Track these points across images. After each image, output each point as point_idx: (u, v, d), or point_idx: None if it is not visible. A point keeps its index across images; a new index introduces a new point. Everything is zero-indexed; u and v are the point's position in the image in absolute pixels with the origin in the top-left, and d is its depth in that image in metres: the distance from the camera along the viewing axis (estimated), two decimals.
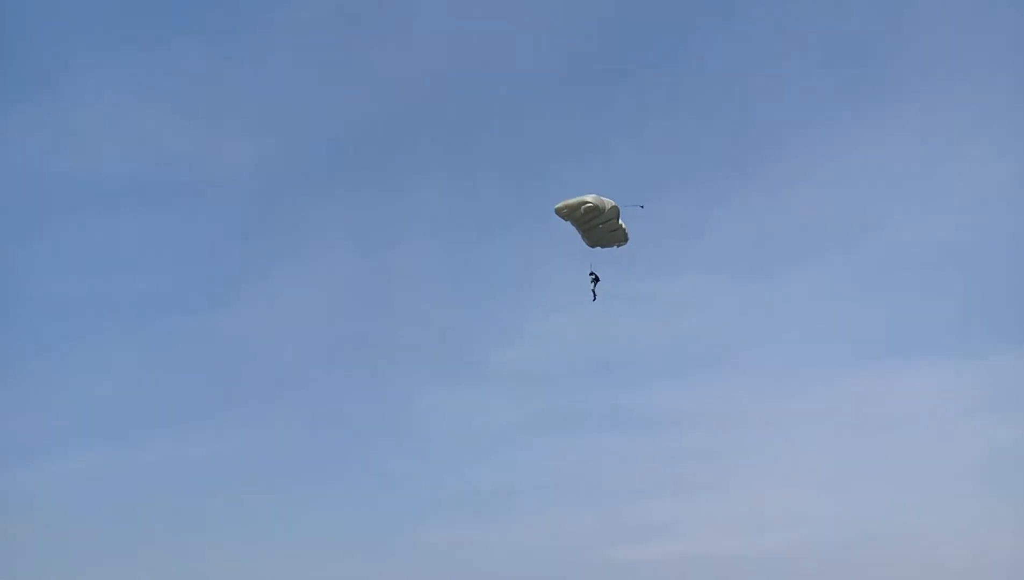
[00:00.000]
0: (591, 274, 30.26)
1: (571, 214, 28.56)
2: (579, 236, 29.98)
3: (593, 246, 29.55)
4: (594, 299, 30.43)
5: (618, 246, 29.60)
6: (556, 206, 28.81)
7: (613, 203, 29.02)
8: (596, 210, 28.35)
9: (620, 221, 29.40)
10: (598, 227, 28.96)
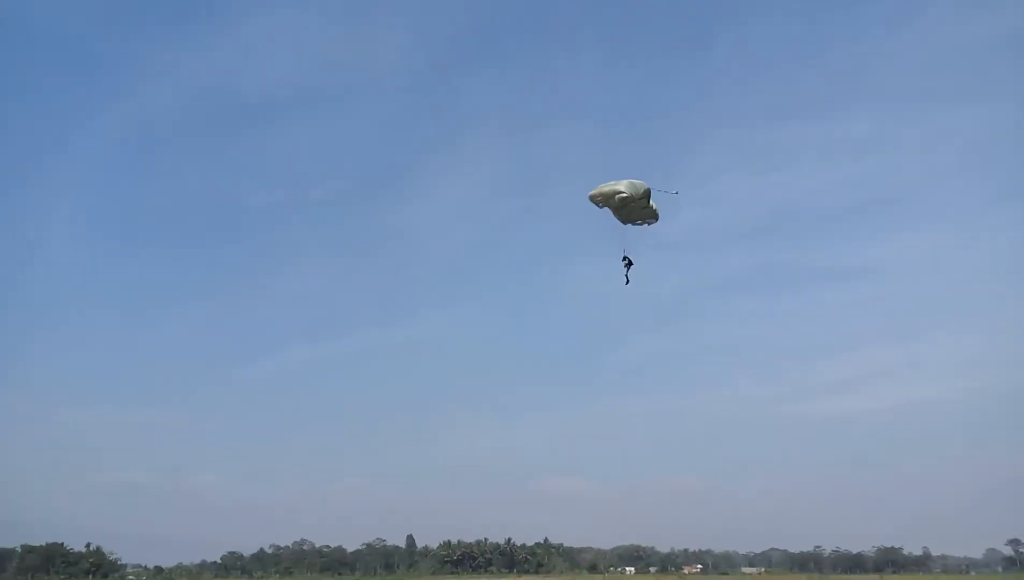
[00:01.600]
0: (624, 258, 32.25)
1: (606, 202, 31.45)
2: (616, 212, 32.79)
3: (625, 224, 32.12)
4: (627, 283, 32.41)
5: (648, 224, 32.25)
6: (591, 193, 31.63)
7: (646, 186, 31.49)
8: (629, 199, 31.21)
9: (651, 201, 32.00)
10: (630, 205, 31.68)
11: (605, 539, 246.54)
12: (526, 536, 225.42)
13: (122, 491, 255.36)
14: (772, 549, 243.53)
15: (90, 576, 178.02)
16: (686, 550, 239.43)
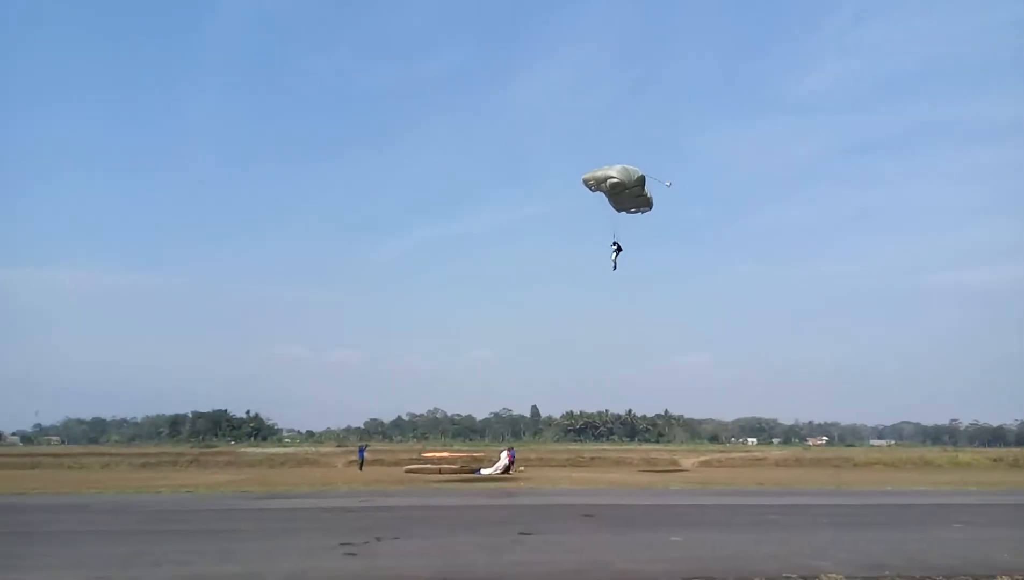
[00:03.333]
0: (613, 244, 31.92)
1: (598, 186, 31.22)
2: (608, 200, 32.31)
3: (619, 211, 31.69)
4: (614, 269, 32.02)
5: (643, 212, 31.61)
6: (584, 176, 31.44)
7: (640, 173, 30.79)
8: (621, 185, 30.70)
9: (646, 189, 31.24)
10: (624, 192, 31.20)
11: (727, 412, 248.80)
12: (647, 408, 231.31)
13: (277, 363, 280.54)
14: (904, 422, 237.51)
15: (251, 438, 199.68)
16: (811, 422, 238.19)
